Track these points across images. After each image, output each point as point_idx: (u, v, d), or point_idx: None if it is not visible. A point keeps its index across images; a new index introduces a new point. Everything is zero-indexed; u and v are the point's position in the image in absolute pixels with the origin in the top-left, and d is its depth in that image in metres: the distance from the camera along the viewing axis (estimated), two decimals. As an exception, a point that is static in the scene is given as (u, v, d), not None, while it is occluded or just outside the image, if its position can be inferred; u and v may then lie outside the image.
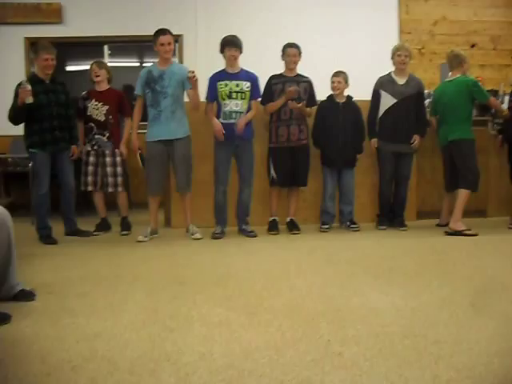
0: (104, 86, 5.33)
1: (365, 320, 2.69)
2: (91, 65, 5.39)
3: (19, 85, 4.73)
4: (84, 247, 4.79)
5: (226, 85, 4.99)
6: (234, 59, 5.00)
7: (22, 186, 6.02)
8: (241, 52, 5.04)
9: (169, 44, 4.91)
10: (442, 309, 2.87)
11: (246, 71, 5.09)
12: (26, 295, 3.12)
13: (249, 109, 5.06)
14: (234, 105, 4.99)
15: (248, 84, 5.02)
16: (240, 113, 5.00)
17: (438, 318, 2.73)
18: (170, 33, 4.95)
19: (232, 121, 4.99)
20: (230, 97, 4.98)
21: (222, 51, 5.04)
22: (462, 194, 5.17)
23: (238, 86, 5.00)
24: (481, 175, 5.27)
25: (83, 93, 5.40)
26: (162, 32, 4.90)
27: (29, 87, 4.66)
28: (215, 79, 5.04)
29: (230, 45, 4.98)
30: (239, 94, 5.00)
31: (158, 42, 4.88)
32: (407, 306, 2.93)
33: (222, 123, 4.99)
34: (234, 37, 5.02)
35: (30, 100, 4.69)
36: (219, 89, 4.99)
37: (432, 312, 2.82)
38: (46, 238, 4.95)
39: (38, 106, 4.79)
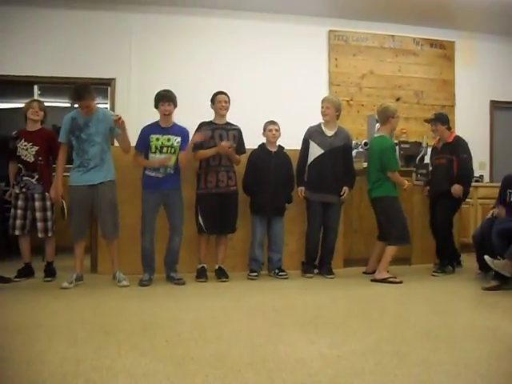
0: (36, 126, 5.19)
1: (292, 369, 2.68)
2: (31, 102, 5.24)
3: None
4: (3, 294, 4.56)
5: (158, 139, 4.98)
6: (168, 114, 5.00)
7: None
8: (175, 107, 5.04)
9: (87, 107, 4.78)
10: (368, 357, 2.89)
11: (179, 126, 5.10)
12: None
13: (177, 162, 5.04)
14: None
15: (178, 139, 5.01)
16: (169, 167, 4.99)
17: (364, 366, 2.75)
18: (88, 93, 4.76)
19: (160, 175, 4.98)
20: (160, 151, 4.97)
21: (156, 106, 5.03)
22: (388, 249, 5.31)
23: (169, 140, 4.99)
24: (408, 227, 5.42)
25: (13, 132, 5.24)
26: (77, 96, 4.75)
27: None
28: (148, 132, 5.02)
29: (164, 100, 4.98)
30: (169, 149, 4.99)
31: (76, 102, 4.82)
32: (333, 354, 2.93)
33: (149, 175, 5.00)
34: (169, 91, 5.03)
35: None
36: (150, 142, 4.97)
37: (358, 360, 2.84)
38: (-40, 284, 4.71)
39: None
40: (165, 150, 4.98)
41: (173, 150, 5.00)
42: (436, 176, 5.93)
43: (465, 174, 5.72)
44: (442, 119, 5.84)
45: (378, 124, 6.32)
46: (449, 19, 8.16)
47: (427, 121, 6.02)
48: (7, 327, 3.45)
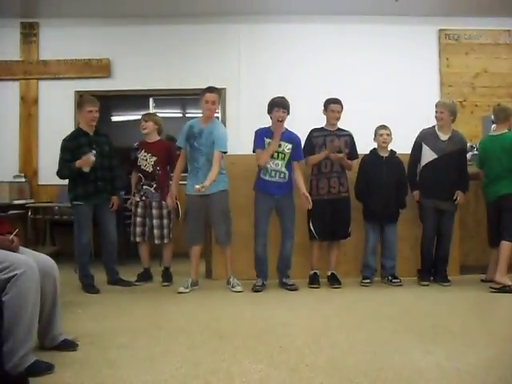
0: (153, 138, 5.47)
1: (408, 380, 2.63)
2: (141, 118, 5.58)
3: (66, 140, 5.01)
4: (125, 297, 4.84)
5: (269, 144, 5.06)
6: (281, 120, 5.05)
7: (67, 234, 6.07)
8: (288, 114, 5.09)
9: (213, 103, 4.98)
10: (490, 371, 2.77)
11: (290, 132, 5.15)
12: (69, 345, 3.15)
13: (290, 169, 5.09)
14: (274, 164, 5.04)
15: (289, 146, 5.07)
16: (279, 172, 5.05)
17: (486, 380, 2.65)
18: (217, 91, 5.06)
19: (272, 179, 5.05)
20: (271, 156, 5.04)
21: (269, 112, 5.10)
22: (505, 246, 5.05)
23: (280, 146, 5.05)
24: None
25: (135, 144, 5.57)
26: (209, 90, 4.99)
27: (93, 158, 4.89)
28: (262, 134, 5.10)
29: (279, 106, 5.03)
30: (280, 155, 5.05)
31: (203, 97, 4.98)
32: (452, 366, 2.84)
33: (263, 179, 5.07)
34: (283, 98, 5.09)
35: (87, 169, 4.92)
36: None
37: (479, 374, 2.73)
38: (89, 286, 5.03)
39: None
40: (275, 155, 5.05)
41: (283, 156, 5.06)
42: None
43: None
44: None
45: (493, 125, 6.05)
46: None
47: None
48: (130, 329, 3.65)
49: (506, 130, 5.28)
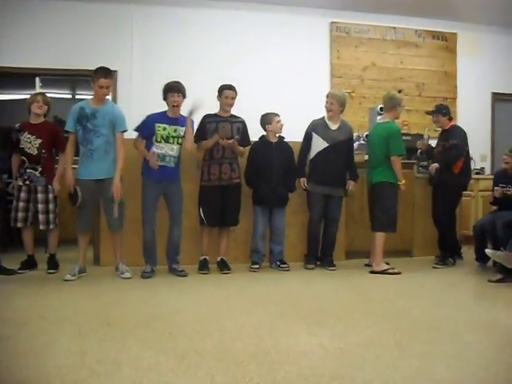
0: (39, 119, 5.19)
1: (294, 362, 2.71)
2: (36, 96, 5.26)
3: None
4: (7, 286, 4.60)
5: (165, 128, 4.97)
6: (176, 105, 4.99)
7: None
8: (184, 98, 5.03)
9: (107, 88, 4.85)
10: (369, 349, 2.92)
11: (185, 118, 5.09)
12: None
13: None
14: (169, 149, 4.99)
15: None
16: (174, 157, 5.01)
17: (365, 358, 2.78)
18: (111, 75, 4.92)
19: (165, 164, 4.99)
20: (166, 141, 4.98)
21: (164, 97, 5.03)
22: (377, 236, 5.36)
23: (175, 131, 4.99)
24: (398, 217, 5.49)
25: (17, 125, 5.25)
26: (103, 74, 4.82)
27: None
28: (154, 119, 5.01)
29: (174, 91, 4.97)
30: (175, 139, 5.00)
31: (97, 82, 4.80)
32: (335, 346, 2.96)
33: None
34: (178, 83, 5.03)
35: None
36: (157, 131, 4.97)
37: (359, 353, 2.87)
38: (-34, 275, 4.73)
39: None
40: (171, 140, 4.99)
41: (179, 141, 5.02)
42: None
43: (446, 158, 5.71)
44: (443, 111, 5.87)
45: (379, 116, 6.34)
46: (451, 11, 8.14)
47: (428, 112, 6.05)
48: (12, 320, 3.47)
49: (389, 120, 5.54)
